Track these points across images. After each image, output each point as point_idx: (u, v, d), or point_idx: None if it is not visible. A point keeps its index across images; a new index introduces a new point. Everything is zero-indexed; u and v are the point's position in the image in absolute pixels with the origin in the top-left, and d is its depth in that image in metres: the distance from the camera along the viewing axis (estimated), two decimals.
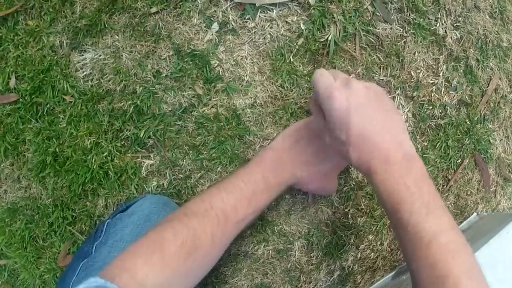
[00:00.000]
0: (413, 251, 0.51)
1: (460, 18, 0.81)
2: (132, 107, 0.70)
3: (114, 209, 0.72)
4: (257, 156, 0.67)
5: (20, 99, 0.72)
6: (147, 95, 0.70)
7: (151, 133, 0.70)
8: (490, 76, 0.86)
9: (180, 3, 0.70)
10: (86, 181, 0.71)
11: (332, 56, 0.73)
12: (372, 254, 0.84)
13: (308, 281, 0.81)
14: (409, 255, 0.53)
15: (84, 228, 0.74)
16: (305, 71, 0.73)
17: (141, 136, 0.70)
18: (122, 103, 0.70)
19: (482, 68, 0.84)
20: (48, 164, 0.72)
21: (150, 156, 0.72)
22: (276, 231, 0.77)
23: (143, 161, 0.72)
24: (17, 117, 0.72)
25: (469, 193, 0.88)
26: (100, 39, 0.70)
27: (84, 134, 0.71)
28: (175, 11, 0.70)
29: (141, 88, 0.70)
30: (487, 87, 0.86)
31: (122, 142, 0.71)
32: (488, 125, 0.87)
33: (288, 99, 0.73)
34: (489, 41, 0.84)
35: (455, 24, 0.81)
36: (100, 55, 0.70)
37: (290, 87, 0.73)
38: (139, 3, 0.69)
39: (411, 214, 0.50)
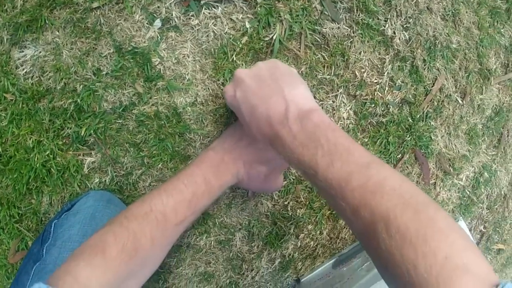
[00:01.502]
0: (335, 206, 0.49)
1: (411, 20, 0.81)
2: (73, 105, 0.70)
3: (59, 206, 0.74)
4: (198, 157, 0.68)
5: None
6: (88, 93, 0.69)
7: (92, 131, 0.70)
8: (436, 76, 0.87)
9: None
10: (30, 179, 0.72)
11: (276, 55, 0.74)
12: (312, 242, 0.88)
13: (250, 268, 0.86)
14: (337, 212, 0.49)
15: (31, 226, 0.75)
16: None
17: (82, 134, 0.70)
18: (63, 101, 0.70)
19: (428, 68, 0.85)
20: None
21: (91, 153, 0.72)
22: (217, 223, 0.80)
23: (85, 159, 0.72)
24: None
25: None
26: (40, 35, 0.68)
27: (26, 133, 0.70)
28: (117, 6, 0.68)
29: (81, 86, 0.69)
30: (432, 86, 0.87)
31: (64, 140, 0.71)
32: (430, 123, 0.90)
33: None
34: (438, 42, 0.85)
35: (405, 25, 0.81)
36: (40, 52, 0.69)
37: None
38: None
39: (315, 170, 0.49)
